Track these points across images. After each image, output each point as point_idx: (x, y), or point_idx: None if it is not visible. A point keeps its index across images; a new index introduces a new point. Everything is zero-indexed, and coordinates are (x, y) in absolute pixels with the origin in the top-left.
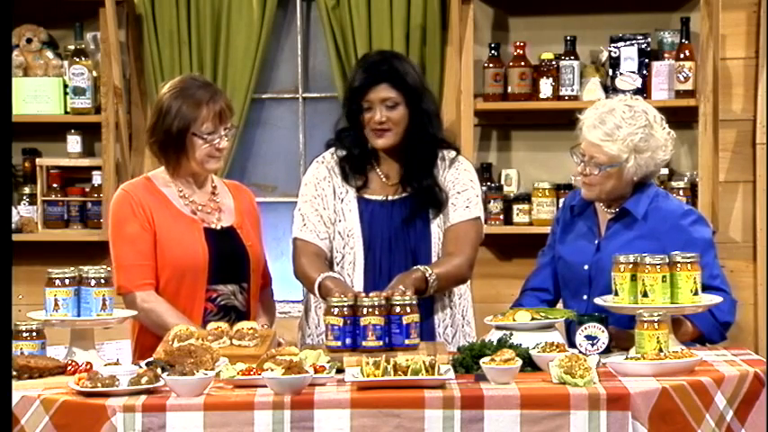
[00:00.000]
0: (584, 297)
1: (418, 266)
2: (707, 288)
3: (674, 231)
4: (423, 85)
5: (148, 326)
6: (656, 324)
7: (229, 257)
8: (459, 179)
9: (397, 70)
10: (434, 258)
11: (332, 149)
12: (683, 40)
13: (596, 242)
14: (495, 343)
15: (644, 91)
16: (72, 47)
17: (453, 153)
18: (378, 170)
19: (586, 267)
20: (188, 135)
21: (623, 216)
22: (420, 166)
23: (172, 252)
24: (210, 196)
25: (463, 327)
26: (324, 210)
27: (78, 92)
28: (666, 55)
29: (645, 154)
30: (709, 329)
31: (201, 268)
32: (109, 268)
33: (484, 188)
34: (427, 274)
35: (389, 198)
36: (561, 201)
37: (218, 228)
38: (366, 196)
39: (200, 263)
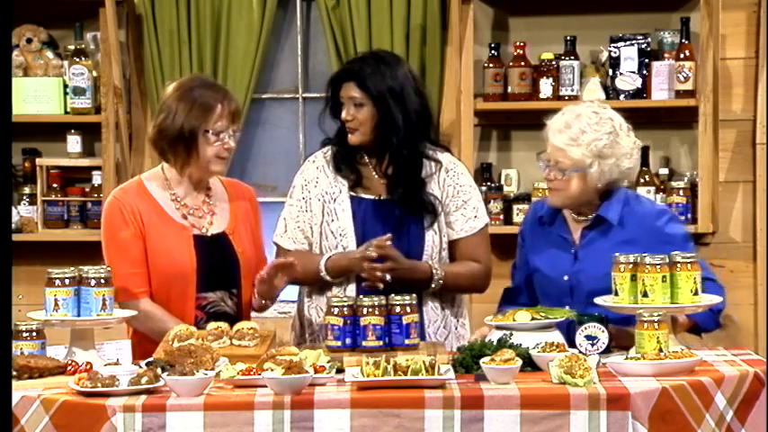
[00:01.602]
0: (567, 307)
1: (427, 261)
2: None
3: (652, 234)
4: (398, 90)
5: (146, 333)
6: (656, 324)
7: (218, 265)
8: (459, 185)
9: (363, 71)
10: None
11: (325, 148)
12: (683, 40)
13: (573, 251)
14: (495, 343)
15: (644, 91)
16: (72, 47)
17: (446, 157)
18: (369, 166)
19: (566, 278)
20: (200, 132)
21: (598, 224)
22: (397, 171)
23: (160, 260)
24: (205, 199)
25: (457, 329)
26: (305, 213)
27: (78, 92)
28: (666, 55)
29: (609, 160)
30: (704, 319)
31: (189, 277)
32: (109, 268)
33: (484, 188)
34: (433, 269)
35: (382, 197)
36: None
37: (209, 234)
38: (360, 195)
39: (188, 271)
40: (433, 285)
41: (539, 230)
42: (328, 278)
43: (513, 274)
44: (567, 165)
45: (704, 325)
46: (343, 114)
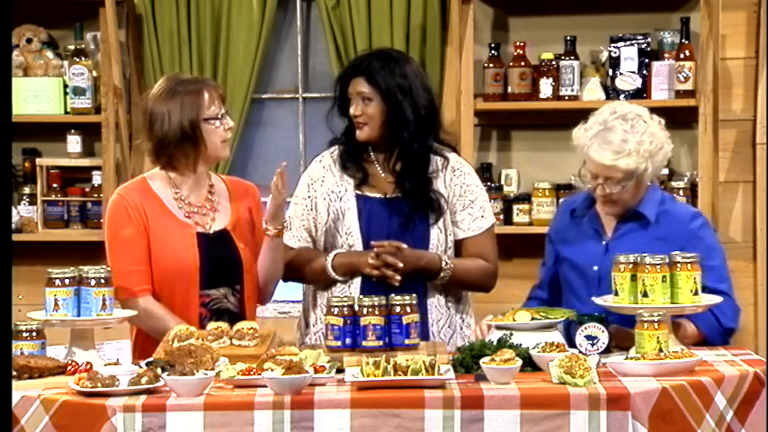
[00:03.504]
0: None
1: (436, 252)
2: (713, 291)
3: (686, 236)
4: (407, 87)
5: (148, 331)
6: (656, 324)
7: (221, 262)
8: (466, 184)
9: (372, 67)
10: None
11: (332, 147)
12: (683, 40)
13: (604, 243)
14: (495, 343)
15: (644, 91)
16: (72, 47)
17: (453, 156)
18: (376, 164)
19: (596, 269)
20: (200, 123)
21: (634, 218)
22: (406, 167)
23: (164, 258)
24: (207, 196)
25: (462, 329)
26: (310, 211)
27: (78, 92)
28: (666, 55)
29: (658, 156)
30: (712, 333)
31: (192, 274)
32: (109, 268)
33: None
34: (442, 259)
35: (388, 196)
36: (561, 201)
37: (211, 232)
38: (366, 193)
39: (191, 269)
40: (441, 275)
41: (570, 223)
42: (335, 276)
43: (540, 271)
44: (622, 177)
45: (712, 340)
46: (352, 110)
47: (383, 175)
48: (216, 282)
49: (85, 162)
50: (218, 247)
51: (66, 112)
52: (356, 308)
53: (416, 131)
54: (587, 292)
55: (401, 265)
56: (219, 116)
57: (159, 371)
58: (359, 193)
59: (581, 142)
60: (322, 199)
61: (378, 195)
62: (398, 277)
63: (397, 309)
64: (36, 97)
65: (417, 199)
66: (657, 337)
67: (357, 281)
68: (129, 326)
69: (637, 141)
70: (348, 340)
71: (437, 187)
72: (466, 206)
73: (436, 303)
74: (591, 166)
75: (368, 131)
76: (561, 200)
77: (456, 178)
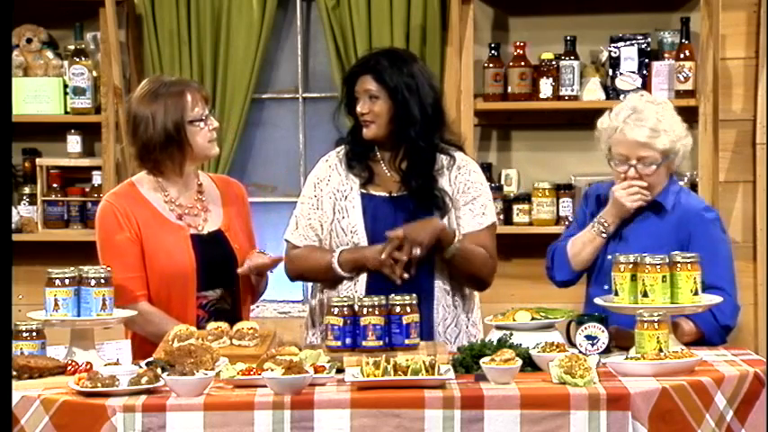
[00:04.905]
0: (605, 287)
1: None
2: (712, 288)
3: (697, 226)
4: (414, 86)
5: (146, 336)
6: (656, 324)
7: (217, 263)
8: (470, 181)
9: (380, 65)
10: (437, 260)
11: (339, 147)
12: (683, 40)
13: (620, 232)
14: (495, 343)
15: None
16: (72, 47)
17: (459, 155)
18: (381, 163)
19: (610, 257)
20: (185, 125)
21: (649, 207)
22: (412, 165)
23: (159, 262)
24: (197, 195)
25: (468, 328)
26: (316, 210)
27: (78, 92)
28: (666, 55)
29: (686, 140)
30: (710, 331)
31: (189, 276)
32: (109, 268)
33: None
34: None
35: (393, 194)
36: (562, 200)
37: (205, 233)
38: (371, 192)
39: (188, 271)
40: (456, 244)
41: (594, 210)
42: (341, 273)
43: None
44: (656, 157)
45: (710, 337)
46: (359, 108)
47: (389, 173)
48: (212, 283)
49: (85, 162)
50: (213, 247)
51: (67, 112)
52: (356, 308)
53: (423, 130)
54: (602, 280)
55: (405, 258)
56: (203, 117)
57: (159, 371)
58: (364, 191)
59: (612, 125)
60: (327, 198)
61: (383, 194)
62: (399, 281)
63: (397, 309)
64: (36, 97)
65: (422, 197)
66: (657, 337)
67: (363, 279)
68: (125, 327)
69: (671, 123)
70: (348, 340)
71: (442, 185)
72: (467, 202)
73: (443, 302)
74: (623, 147)
75: (374, 129)
76: (589, 186)
77: (461, 175)
